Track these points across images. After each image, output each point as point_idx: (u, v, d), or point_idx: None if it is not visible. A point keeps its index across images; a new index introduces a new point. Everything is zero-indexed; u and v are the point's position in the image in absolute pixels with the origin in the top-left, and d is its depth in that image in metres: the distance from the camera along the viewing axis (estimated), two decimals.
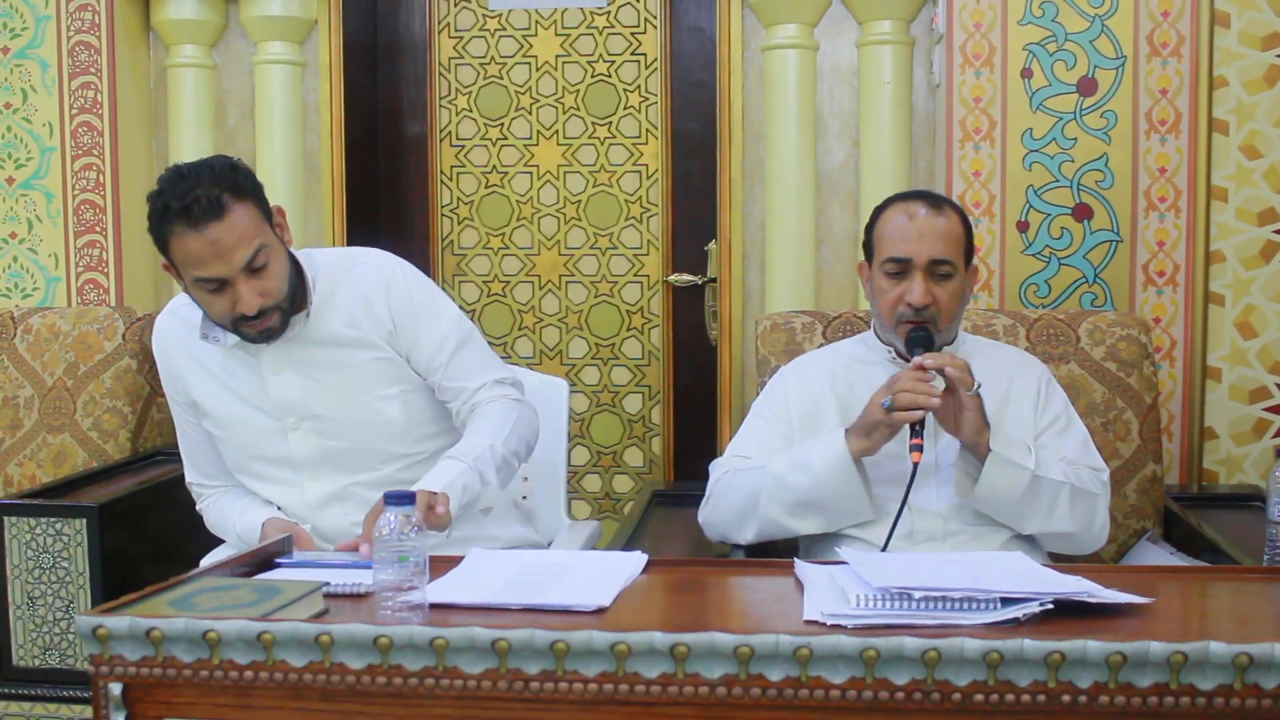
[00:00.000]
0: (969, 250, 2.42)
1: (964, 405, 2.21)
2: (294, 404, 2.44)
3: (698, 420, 3.92)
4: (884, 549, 2.23)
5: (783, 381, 2.55)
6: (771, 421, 2.49)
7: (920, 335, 2.33)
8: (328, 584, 1.78)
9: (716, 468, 2.47)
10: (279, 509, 2.49)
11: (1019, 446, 2.26)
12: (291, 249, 2.39)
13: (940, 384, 2.23)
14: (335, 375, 2.43)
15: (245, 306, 2.26)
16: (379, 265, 2.49)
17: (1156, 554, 2.67)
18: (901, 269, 2.35)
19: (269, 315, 2.30)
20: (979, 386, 2.23)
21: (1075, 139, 3.15)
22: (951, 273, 2.36)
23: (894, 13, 3.48)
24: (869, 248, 2.46)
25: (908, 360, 2.33)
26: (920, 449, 2.20)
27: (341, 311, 2.43)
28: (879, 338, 2.50)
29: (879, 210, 2.46)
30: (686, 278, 3.91)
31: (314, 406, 2.43)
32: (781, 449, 2.42)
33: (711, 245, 3.82)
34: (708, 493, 2.46)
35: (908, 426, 2.22)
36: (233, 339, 2.39)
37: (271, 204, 2.34)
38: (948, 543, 2.30)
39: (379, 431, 2.46)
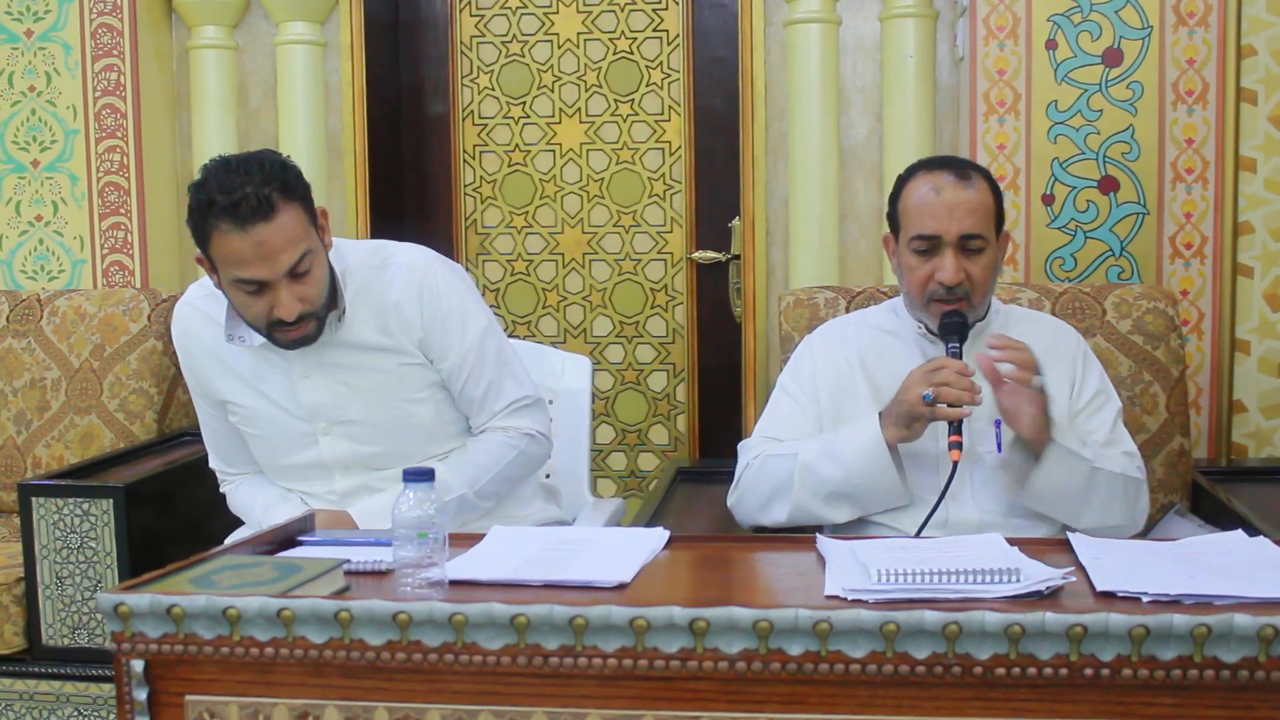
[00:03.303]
0: (1000, 218, 2.33)
1: (1026, 400, 2.13)
2: (324, 408, 2.39)
3: (722, 397, 3.91)
4: (917, 536, 2.16)
5: (810, 354, 2.48)
6: (799, 399, 2.43)
7: (955, 322, 2.25)
8: (348, 561, 1.79)
9: (745, 450, 2.41)
10: (302, 498, 2.46)
11: (1074, 437, 2.18)
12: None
13: (982, 380, 2.16)
14: (365, 380, 2.38)
15: (284, 312, 2.18)
16: (411, 268, 2.40)
17: (1184, 527, 2.65)
18: (930, 246, 2.27)
19: (305, 323, 2.23)
20: (1043, 383, 2.14)
21: (1101, 111, 3.12)
22: (983, 246, 2.27)
23: None
24: (894, 220, 2.36)
25: (938, 337, 2.28)
26: (960, 446, 2.14)
27: (374, 317, 2.36)
28: (909, 311, 2.42)
29: (903, 180, 2.36)
30: (710, 255, 3.89)
31: (345, 411, 2.39)
32: (810, 429, 2.37)
33: (735, 222, 3.81)
34: (737, 477, 2.40)
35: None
36: (259, 339, 2.31)
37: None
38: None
39: (411, 434, 2.42)
